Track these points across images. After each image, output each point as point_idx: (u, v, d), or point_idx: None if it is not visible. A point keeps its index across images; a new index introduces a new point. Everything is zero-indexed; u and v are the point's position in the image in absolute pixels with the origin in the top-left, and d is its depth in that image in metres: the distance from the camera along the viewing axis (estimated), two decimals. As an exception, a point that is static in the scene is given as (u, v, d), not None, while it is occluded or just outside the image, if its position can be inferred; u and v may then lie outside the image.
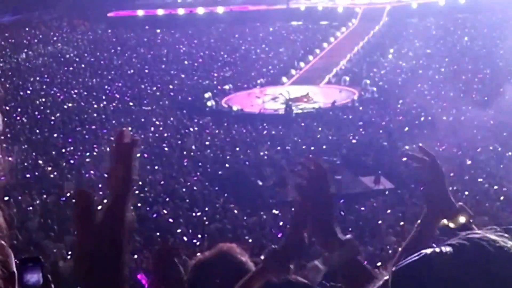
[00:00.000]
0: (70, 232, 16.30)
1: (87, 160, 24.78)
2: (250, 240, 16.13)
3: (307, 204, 2.49)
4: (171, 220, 18.69)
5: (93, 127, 29.75)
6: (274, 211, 19.49)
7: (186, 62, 44.20)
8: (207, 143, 27.59)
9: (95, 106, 33.72)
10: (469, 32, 46.93)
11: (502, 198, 19.30)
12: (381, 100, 33.40)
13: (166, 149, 26.50)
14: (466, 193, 19.64)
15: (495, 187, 20.70)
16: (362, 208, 20.00)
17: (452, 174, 20.46)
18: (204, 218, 18.76)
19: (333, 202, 2.53)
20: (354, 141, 27.29)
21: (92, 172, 22.61)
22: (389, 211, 19.20)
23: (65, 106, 33.63)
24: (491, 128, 27.25)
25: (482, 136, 25.95)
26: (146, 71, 41.84)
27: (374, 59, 42.16)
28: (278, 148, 26.62)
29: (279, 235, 16.02)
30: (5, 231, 1.47)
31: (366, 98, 34.01)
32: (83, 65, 43.80)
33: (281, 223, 17.79)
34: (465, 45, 44.32)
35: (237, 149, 26.50)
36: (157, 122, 30.68)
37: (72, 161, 24.86)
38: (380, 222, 18.25)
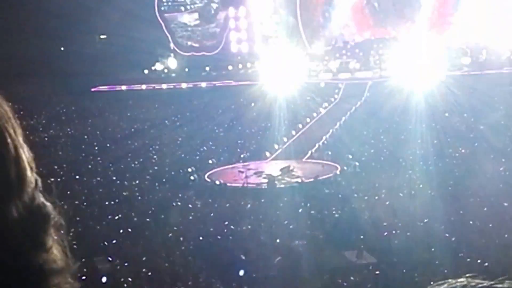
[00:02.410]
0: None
1: (70, 235, 24.60)
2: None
3: None
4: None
5: (76, 202, 29.59)
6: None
7: (169, 137, 44.36)
8: (190, 217, 27.54)
9: (78, 181, 33.66)
10: (448, 108, 47.39)
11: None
12: (363, 174, 33.55)
13: (149, 223, 26.41)
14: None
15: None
16: (345, 283, 19.95)
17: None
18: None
19: None
20: (337, 215, 27.31)
21: (75, 246, 22.44)
22: (371, 284, 19.19)
23: (48, 181, 33.53)
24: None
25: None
26: (129, 145, 41.91)
27: (356, 134, 42.47)
28: (262, 223, 26.59)
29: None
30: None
31: (348, 173, 34.17)
32: (66, 140, 43.86)
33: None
34: (446, 120, 44.74)
35: (220, 223, 26.45)
36: (140, 197, 30.65)
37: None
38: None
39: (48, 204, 1.59)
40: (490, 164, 32.04)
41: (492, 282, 1.54)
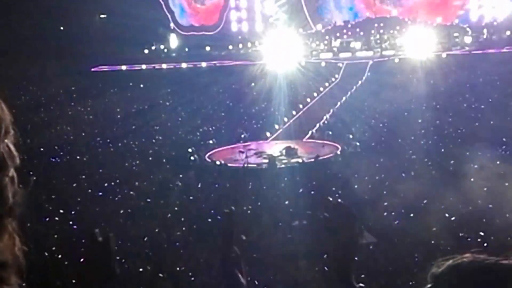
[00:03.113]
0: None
1: (72, 214, 24.65)
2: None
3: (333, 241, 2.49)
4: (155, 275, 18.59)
5: (74, 184, 29.58)
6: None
7: (169, 117, 44.31)
8: (190, 197, 27.54)
9: (78, 160, 33.64)
10: (449, 88, 47.37)
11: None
12: (364, 154, 33.51)
13: (149, 204, 26.41)
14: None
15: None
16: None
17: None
18: (190, 274, 18.67)
19: (357, 249, 2.52)
20: (337, 195, 27.29)
21: (75, 227, 22.50)
22: (371, 264, 19.20)
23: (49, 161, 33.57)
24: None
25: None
26: (129, 126, 41.88)
27: (357, 114, 42.44)
28: (261, 203, 26.57)
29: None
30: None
31: (349, 153, 34.15)
32: (66, 120, 43.78)
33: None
34: (447, 100, 44.70)
35: (220, 203, 26.41)
36: (140, 177, 30.62)
37: (57, 218, 24.70)
38: (363, 276, 18.23)
39: (9, 187, 1.47)
40: (491, 144, 31.99)
41: (498, 258, 1.52)
